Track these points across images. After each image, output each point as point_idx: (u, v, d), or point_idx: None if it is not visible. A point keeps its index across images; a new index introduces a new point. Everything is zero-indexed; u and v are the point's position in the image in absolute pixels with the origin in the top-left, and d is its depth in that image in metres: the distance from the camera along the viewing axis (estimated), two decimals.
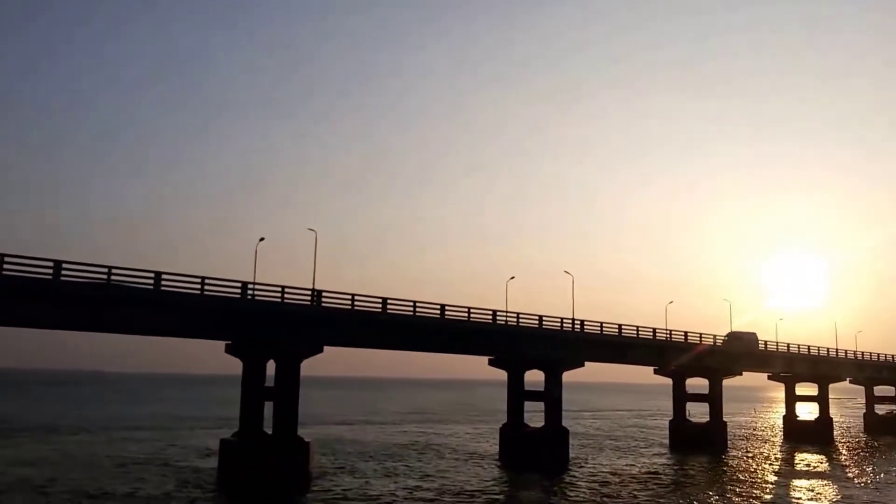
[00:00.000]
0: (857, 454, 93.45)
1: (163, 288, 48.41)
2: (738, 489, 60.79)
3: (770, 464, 79.28)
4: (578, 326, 77.50)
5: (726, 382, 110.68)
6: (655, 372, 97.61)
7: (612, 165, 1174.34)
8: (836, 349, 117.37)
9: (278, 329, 55.66)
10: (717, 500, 54.67)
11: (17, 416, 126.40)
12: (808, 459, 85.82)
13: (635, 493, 56.94)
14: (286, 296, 55.05)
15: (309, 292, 56.74)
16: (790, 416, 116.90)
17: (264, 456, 55.13)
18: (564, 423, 76.78)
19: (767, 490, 60.41)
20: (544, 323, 74.46)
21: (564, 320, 75.97)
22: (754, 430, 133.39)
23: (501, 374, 79.57)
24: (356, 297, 58.89)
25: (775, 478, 67.94)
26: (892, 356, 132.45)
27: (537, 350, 75.63)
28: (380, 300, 60.47)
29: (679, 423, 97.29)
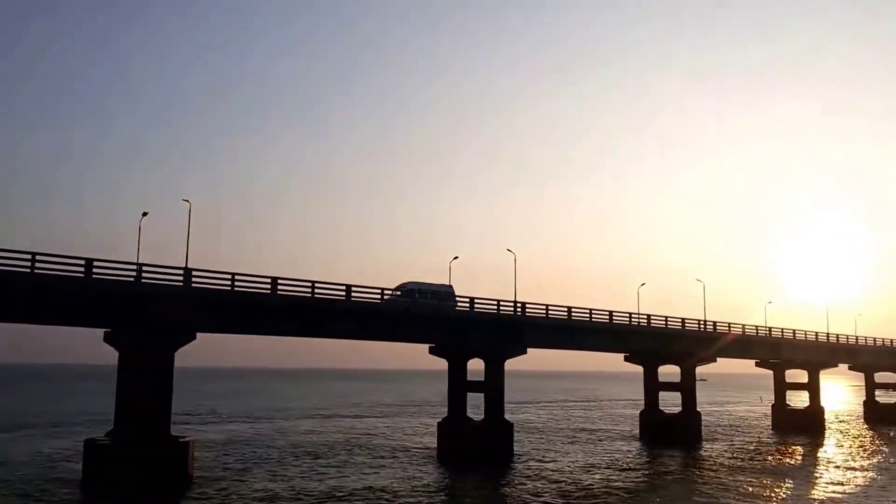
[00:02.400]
0: (842, 445, 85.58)
1: None
2: (687, 487, 53.62)
3: (738, 457, 71.61)
4: (520, 310, 70.01)
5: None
6: (626, 359, 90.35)
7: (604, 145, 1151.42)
8: (828, 334, 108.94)
9: (148, 313, 48.81)
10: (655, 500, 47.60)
11: None
12: (785, 451, 78.22)
13: (570, 492, 49.92)
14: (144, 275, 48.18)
15: (181, 271, 49.89)
16: (779, 405, 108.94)
17: (134, 458, 48.32)
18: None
19: (717, 487, 53.04)
20: (475, 306, 67.21)
21: (502, 303, 68.61)
22: (743, 419, 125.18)
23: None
24: (237, 277, 51.94)
25: (733, 473, 60.39)
26: (892, 340, 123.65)
27: (479, 337, 68.47)
28: (269, 280, 53.44)
29: (650, 414, 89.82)
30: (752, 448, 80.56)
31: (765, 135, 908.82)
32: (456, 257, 72.53)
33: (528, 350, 70.36)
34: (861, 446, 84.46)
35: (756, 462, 68.54)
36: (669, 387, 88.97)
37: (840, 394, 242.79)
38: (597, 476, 57.95)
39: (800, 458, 73.43)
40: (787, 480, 57.32)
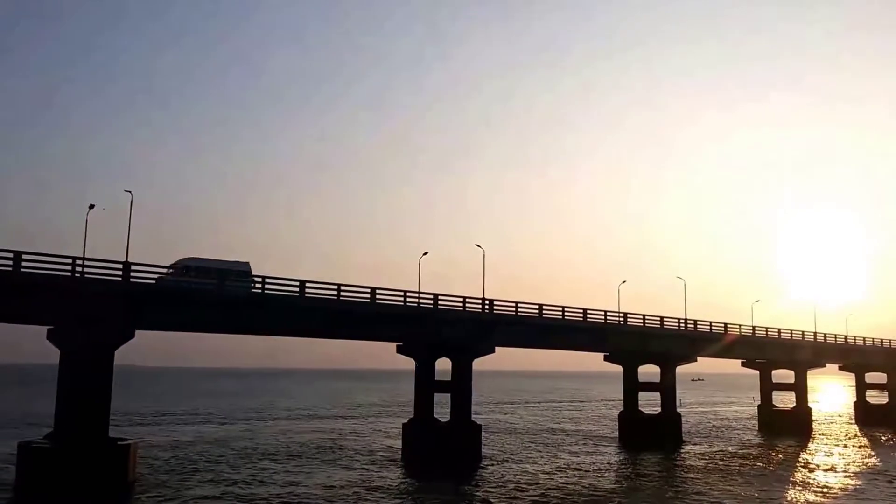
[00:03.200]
0: (826, 447, 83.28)
1: None
2: (652, 491, 51.38)
3: (715, 460, 69.29)
4: (488, 307, 67.75)
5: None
6: (605, 359, 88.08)
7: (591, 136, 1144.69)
8: (815, 333, 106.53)
9: (85, 309, 46.60)
10: None
11: None
12: (765, 454, 75.86)
13: (527, 497, 47.63)
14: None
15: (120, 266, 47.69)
16: (766, 406, 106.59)
17: (70, 462, 46.07)
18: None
19: (684, 492, 50.78)
20: (439, 303, 64.90)
21: (468, 300, 66.32)
22: (731, 420, 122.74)
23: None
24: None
25: (706, 476, 58.09)
26: (882, 340, 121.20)
27: (447, 335, 66.24)
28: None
29: (630, 415, 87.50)
30: (732, 450, 78.21)
31: (760, 130, 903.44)
32: (425, 253, 70.57)
33: (499, 349, 68.34)
34: (846, 448, 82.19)
35: (732, 465, 66.20)
36: (649, 387, 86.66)
37: (838, 394, 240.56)
38: (560, 480, 55.62)
39: (779, 460, 71.11)
40: (759, 484, 55.01)
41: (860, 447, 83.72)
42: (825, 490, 53.42)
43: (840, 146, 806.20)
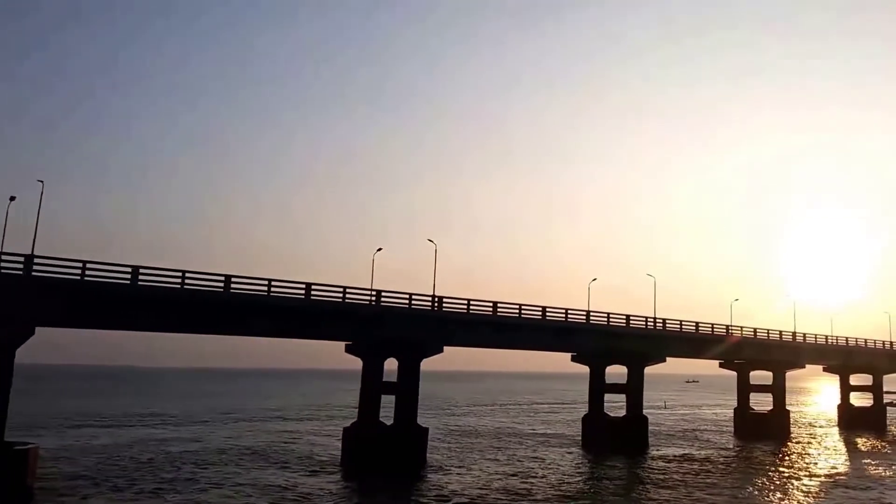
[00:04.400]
0: (803, 452, 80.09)
1: None
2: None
3: (679, 466, 66.11)
4: (437, 305, 64.62)
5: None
6: (573, 359, 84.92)
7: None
8: (794, 333, 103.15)
9: None
10: None
11: None
12: (734, 460, 72.66)
13: None
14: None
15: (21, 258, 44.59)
16: (742, 409, 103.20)
17: None
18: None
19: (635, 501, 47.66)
20: (382, 300, 61.81)
21: (414, 297, 63.21)
22: (709, 423, 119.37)
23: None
24: (89, 265, 46.61)
25: (664, 485, 54.92)
26: (866, 340, 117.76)
27: (393, 333, 63.17)
28: (130, 269, 48.06)
29: (594, 418, 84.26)
30: (701, 456, 74.94)
31: (768, 132, 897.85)
32: (380, 249, 67.10)
33: (453, 348, 65.60)
34: (822, 454, 78.90)
35: (690, 471, 62.96)
36: (615, 388, 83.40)
37: (834, 397, 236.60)
38: (500, 485, 52.51)
39: (741, 468, 67.71)
40: (720, 493, 51.81)
41: (833, 453, 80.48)
42: (777, 499, 50.25)
43: (851, 146, 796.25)
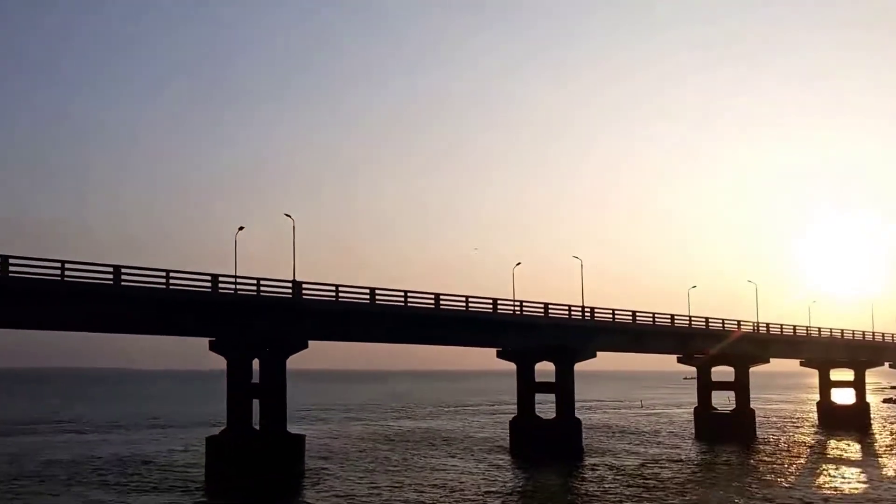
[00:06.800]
0: (755, 458, 70.96)
1: None
2: None
3: (606, 479, 57.10)
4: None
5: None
6: (498, 355, 76.14)
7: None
8: (757, 323, 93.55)
9: None
10: None
11: None
12: (677, 469, 63.20)
13: None
14: None
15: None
16: (702, 409, 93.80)
17: None
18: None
19: None
20: (262, 289, 53.22)
21: (263, 282, 54.11)
22: (670, 425, 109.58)
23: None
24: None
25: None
26: (843, 331, 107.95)
27: (261, 328, 54.63)
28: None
29: (523, 421, 75.42)
30: (639, 463, 66.03)
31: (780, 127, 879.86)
32: (241, 227, 58.26)
33: (312, 343, 56.41)
34: (779, 460, 69.47)
35: (615, 486, 53.84)
36: (544, 388, 74.60)
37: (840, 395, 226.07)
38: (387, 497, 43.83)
39: (679, 479, 58.06)
40: None
41: (791, 459, 71.04)
42: None
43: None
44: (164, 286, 49.11)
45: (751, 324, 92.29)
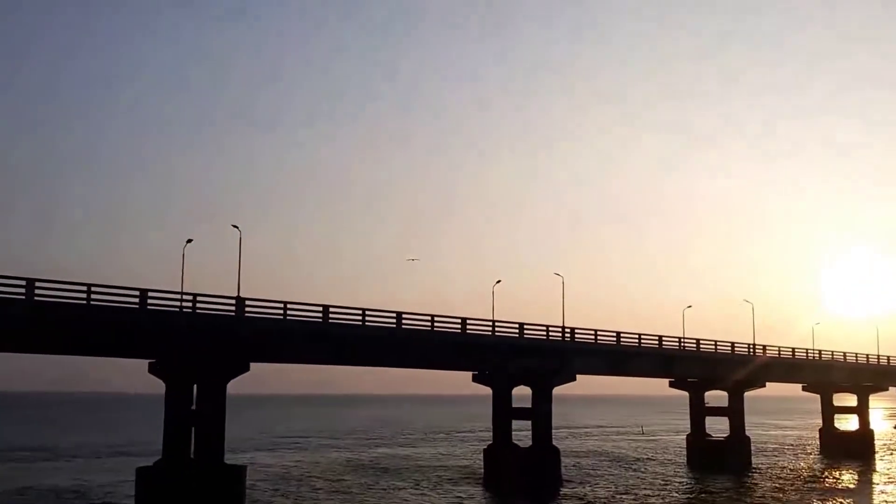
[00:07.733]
0: (760, 485, 65.93)
1: None
2: None
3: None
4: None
5: None
6: (474, 379, 71.35)
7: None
8: (754, 345, 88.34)
9: None
10: None
11: None
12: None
13: None
14: None
15: None
16: (695, 435, 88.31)
17: None
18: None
19: None
20: (200, 306, 48.45)
21: (200, 298, 49.53)
22: (666, 453, 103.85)
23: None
24: None
25: None
26: (845, 354, 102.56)
27: (196, 353, 49.90)
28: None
29: (497, 449, 70.35)
30: (612, 493, 61.03)
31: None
32: (190, 240, 53.85)
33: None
34: (774, 490, 64.41)
35: None
36: (522, 414, 69.67)
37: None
38: None
39: None
40: None
41: (783, 488, 65.87)
42: None
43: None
44: (84, 301, 44.52)
45: (745, 346, 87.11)
